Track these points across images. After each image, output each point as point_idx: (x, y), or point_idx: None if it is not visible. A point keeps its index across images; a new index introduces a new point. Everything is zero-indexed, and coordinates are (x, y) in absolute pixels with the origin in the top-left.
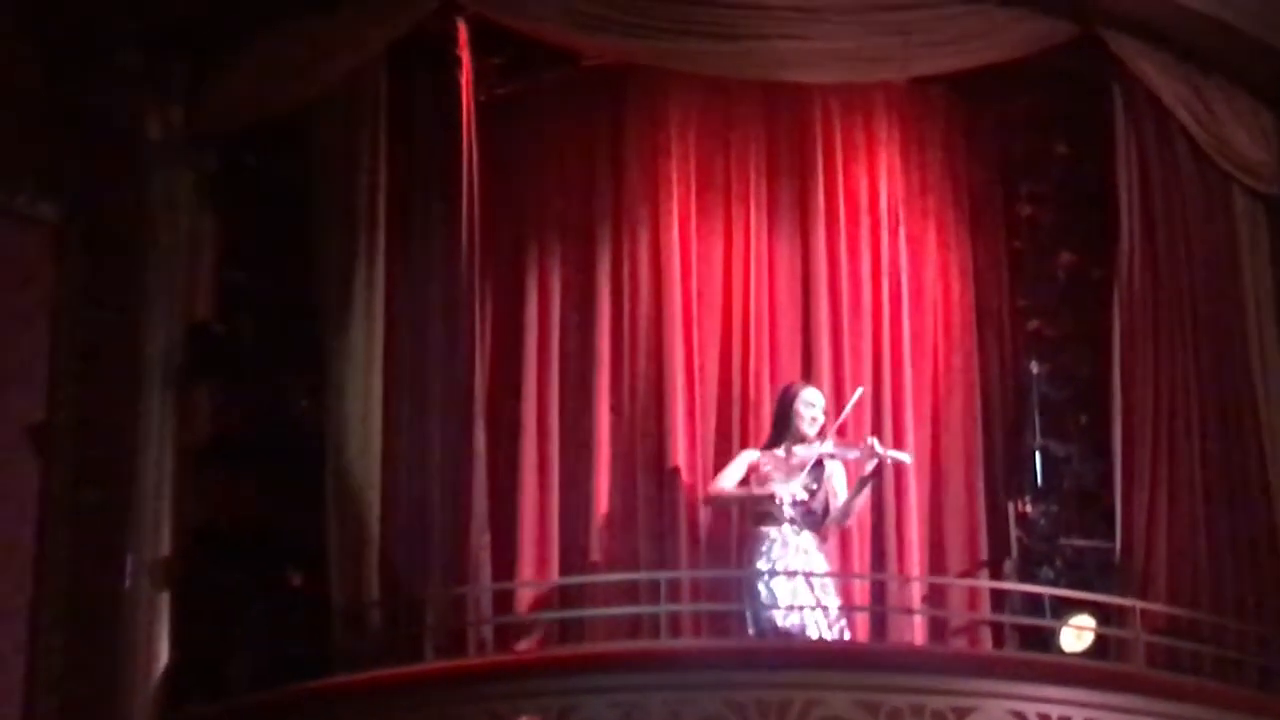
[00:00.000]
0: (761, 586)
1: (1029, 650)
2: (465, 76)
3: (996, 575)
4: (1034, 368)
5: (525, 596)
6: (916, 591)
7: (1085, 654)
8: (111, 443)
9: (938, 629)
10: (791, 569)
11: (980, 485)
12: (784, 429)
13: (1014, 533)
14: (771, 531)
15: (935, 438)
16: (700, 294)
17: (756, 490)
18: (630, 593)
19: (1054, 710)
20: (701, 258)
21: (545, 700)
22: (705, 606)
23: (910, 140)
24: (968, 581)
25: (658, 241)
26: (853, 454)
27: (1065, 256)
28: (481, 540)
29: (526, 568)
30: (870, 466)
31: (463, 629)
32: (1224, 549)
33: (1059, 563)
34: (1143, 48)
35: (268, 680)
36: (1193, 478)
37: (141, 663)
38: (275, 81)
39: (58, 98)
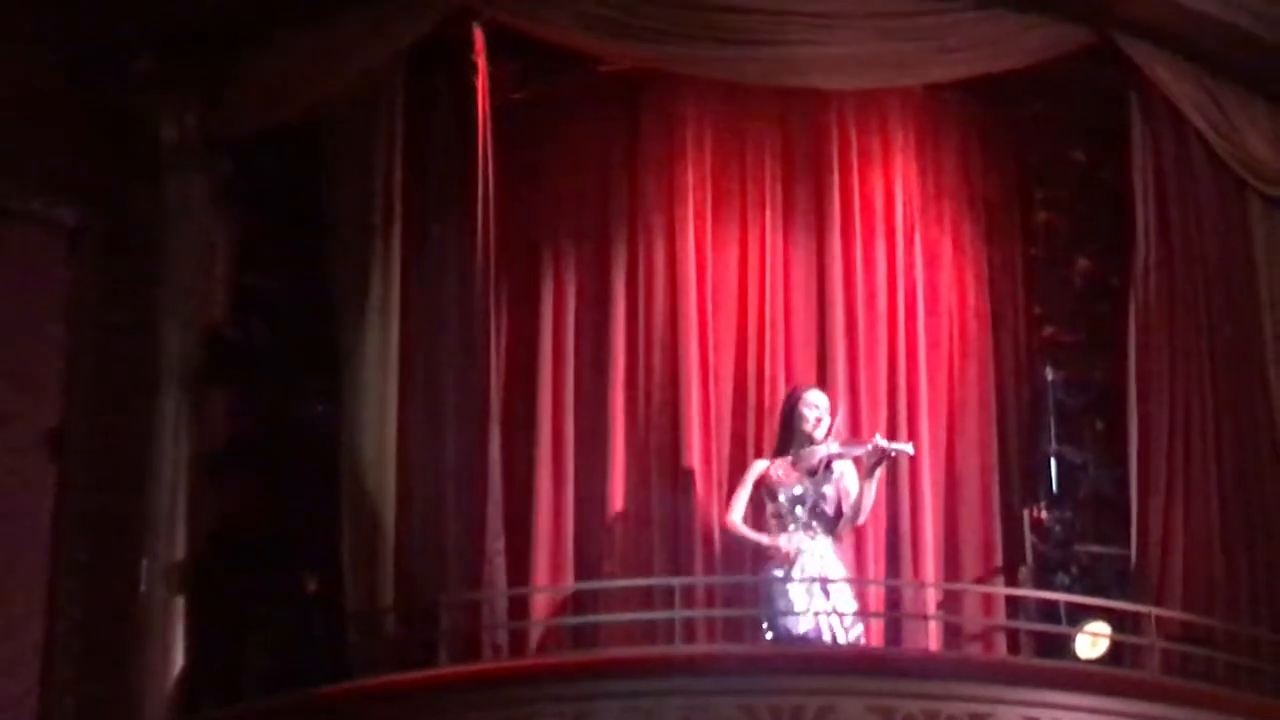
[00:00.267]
0: (778, 592)
1: (1044, 657)
2: (481, 82)
3: (1011, 581)
4: (1049, 374)
5: (540, 602)
6: (931, 597)
7: (1100, 660)
8: (127, 447)
9: (952, 635)
10: (809, 575)
11: (995, 491)
12: (790, 434)
13: (1029, 539)
14: (788, 536)
15: (950, 444)
16: (715, 299)
17: (764, 540)
18: (645, 598)
19: (1068, 717)
20: (717, 263)
21: (560, 705)
22: (720, 612)
23: (926, 146)
24: (983, 588)
25: (673, 246)
26: (858, 450)
27: (1081, 263)
28: (496, 545)
29: (541, 573)
30: (873, 461)
31: (477, 634)
32: (1239, 556)
33: (1074, 569)
34: (1158, 54)
35: (282, 685)
36: (1208, 484)
37: (156, 667)
38: (291, 86)
39: (74, 102)
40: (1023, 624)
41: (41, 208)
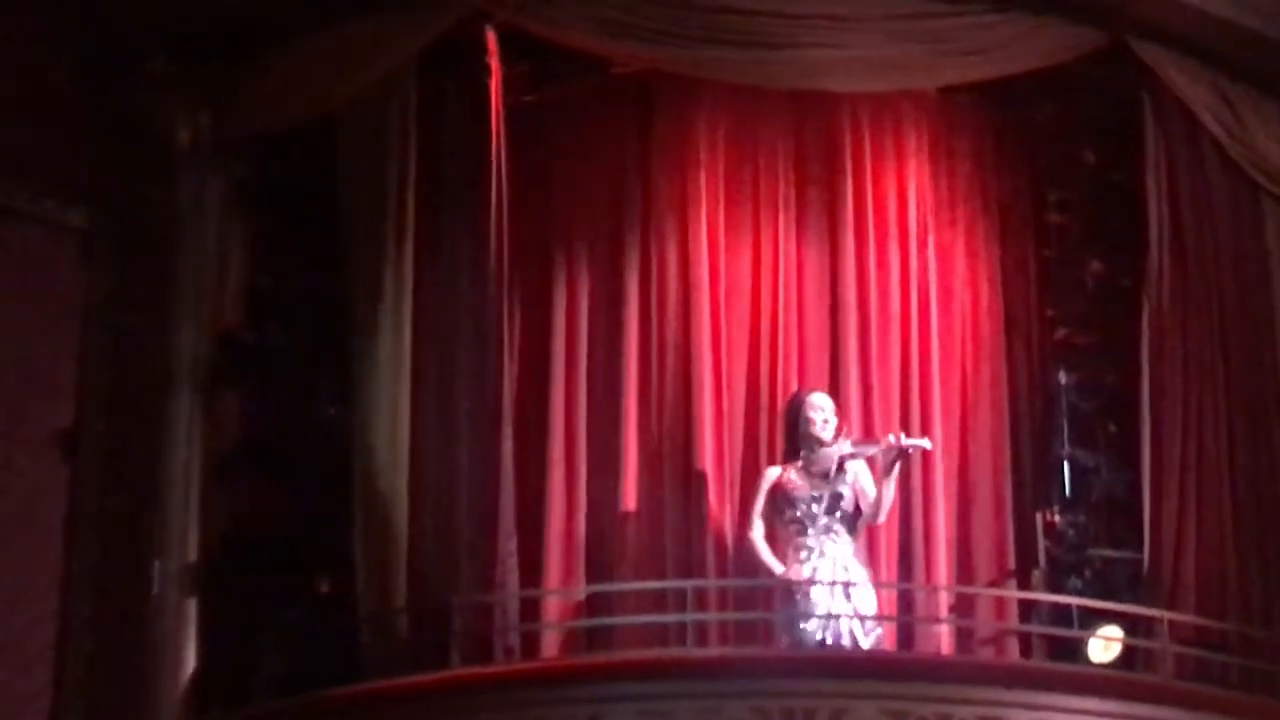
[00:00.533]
0: (798, 595)
1: (1056, 660)
2: (495, 84)
3: (1024, 585)
4: (1062, 377)
5: (552, 604)
6: (944, 601)
7: (1113, 665)
8: (139, 448)
9: (965, 639)
10: (829, 578)
11: (1008, 495)
12: (798, 439)
13: (1042, 543)
14: (808, 540)
15: (963, 447)
16: (728, 303)
17: (780, 568)
18: (657, 600)
19: None
20: (730, 267)
21: (572, 708)
22: (732, 615)
23: (939, 149)
24: (995, 591)
25: (686, 250)
26: (872, 450)
27: (1094, 265)
28: (509, 547)
29: (553, 575)
30: (890, 458)
31: (490, 636)
32: (1253, 560)
33: (1087, 573)
34: (1171, 56)
35: (294, 687)
36: (1221, 488)
37: (168, 669)
38: (304, 88)
39: (87, 104)
40: (1035, 627)
41: (54, 210)
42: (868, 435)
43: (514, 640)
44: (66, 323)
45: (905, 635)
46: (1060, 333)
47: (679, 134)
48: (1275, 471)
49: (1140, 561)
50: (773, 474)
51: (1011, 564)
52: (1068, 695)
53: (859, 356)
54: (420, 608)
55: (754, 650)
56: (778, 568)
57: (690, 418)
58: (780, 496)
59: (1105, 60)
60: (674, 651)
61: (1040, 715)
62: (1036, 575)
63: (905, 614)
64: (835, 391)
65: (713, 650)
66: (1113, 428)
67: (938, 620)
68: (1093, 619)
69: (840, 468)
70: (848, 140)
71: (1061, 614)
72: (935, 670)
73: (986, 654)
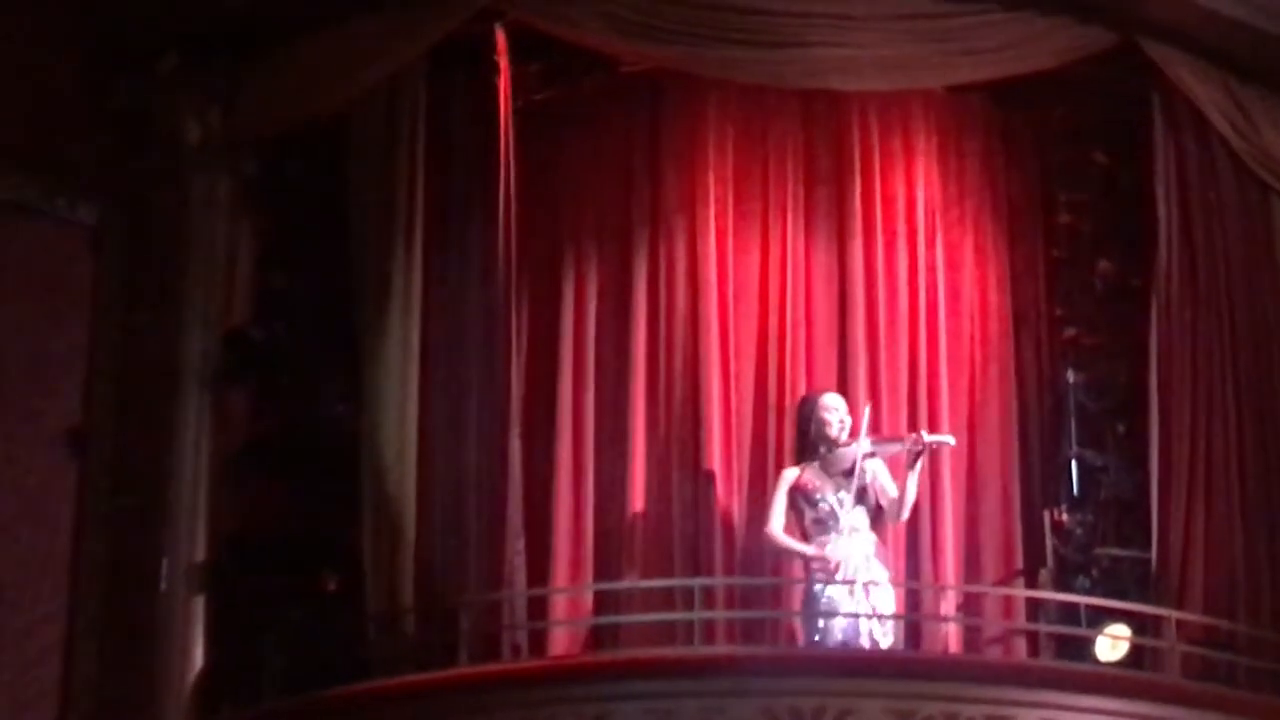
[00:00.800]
0: (817, 595)
1: (1064, 660)
2: (504, 83)
3: (1032, 584)
4: (1071, 376)
5: (559, 602)
6: (951, 600)
7: (1120, 664)
8: (148, 447)
9: (972, 638)
10: (849, 578)
11: (1016, 494)
12: (810, 441)
13: (1050, 542)
14: (831, 538)
15: (971, 446)
16: (737, 301)
17: (810, 550)
18: (665, 599)
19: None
20: (738, 265)
21: (579, 706)
22: (740, 614)
23: (948, 149)
24: (1003, 590)
25: (694, 248)
26: (895, 448)
27: (1103, 265)
28: (516, 545)
29: (561, 573)
30: (913, 455)
31: (497, 634)
32: (1261, 559)
33: (1095, 572)
34: (1181, 56)
35: (302, 685)
36: (1230, 487)
37: (176, 667)
38: (314, 86)
39: (97, 101)
40: (1043, 626)
41: (64, 207)
42: (874, 434)
43: (522, 639)
44: (75, 320)
45: (913, 634)
46: (1069, 332)
47: (688, 133)
48: None
49: (1148, 561)
50: (791, 474)
51: (1019, 563)
52: (1075, 694)
53: (867, 356)
54: (428, 606)
55: (761, 649)
56: (806, 549)
57: (698, 417)
58: (801, 497)
59: (1115, 60)
60: (681, 650)
61: (1047, 714)
62: (1044, 574)
63: (913, 613)
64: (843, 391)
65: (720, 649)
66: (1121, 427)
67: (945, 619)
68: (1100, 618)
69: (857, 466)
70: (856, 140)
71: (1069, 613)
72: (942, 669)
73: (994, 653)
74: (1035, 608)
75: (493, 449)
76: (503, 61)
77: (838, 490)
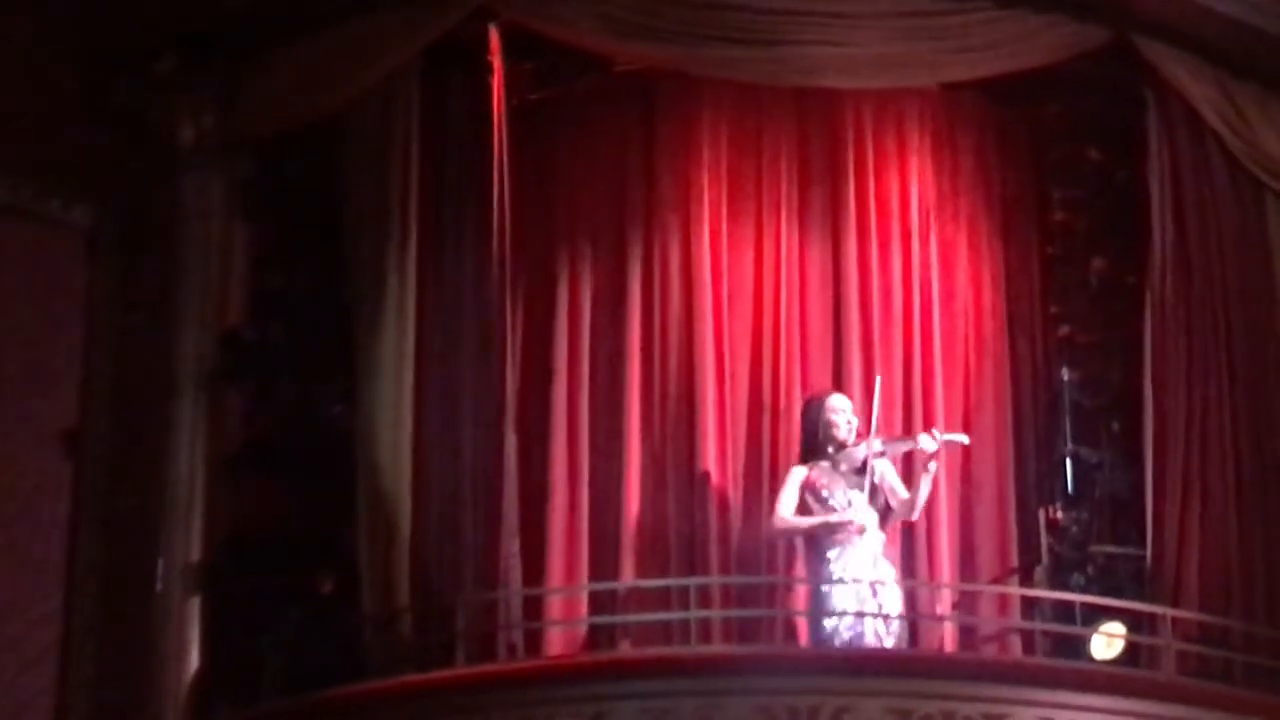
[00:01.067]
0: (822, 593)
1: (1059, 657)
2: (497, 82)
3: (1027, 582)
4: (1065, 374)
5: (555, 602)
6: (947, 598)
7: (1116, 661)
8: (143, 448)
9: (968, 636)
10: (856, 576)
11: (1011, 492)
12: (818, 441)
13: (1045, 540)
14: (839, 537)
15: (966, 444)
16: (731, 300)
17: (831, 516)
18: (661, 598)
19: (1084, 717)
20: (732, 264)
21: (576, 706)
22: (736, 613)
23: (942, 146)
24: (998, 588)
25: (689, 247)
26: (905, 447)
27: (1097, 262)
28: (512, 545)
29: (556, 573)
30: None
31: (493, 634)
32: (1256, 556)
33: (1090, 570)
34: (1175, 53)
35: (298, 686)
36: (1225, 485)
37: (172, 668)
38: (308, 87)
39: (91, 102)
40: (1038, 624)
41: (58, 208)
42: (884, 433)
43: (518, 639)
44: (70, 321)
45: (909, 632)
46: (1063, 330)
47: (682, 132)
48: (1279, 468)
49: (1143, 558)
50: (799, 473)
51: (1015, 561)
52: (1071, 692)
53: (862, 354)
54: (424, 606)
55: (758, 648)
56: (815, 520)
57: (693, 416)
58: (811, 496)
59: (1109, 57)
60: (678, 649)
61: (1043, 712)
62: (1039, 572)
63: (909, 611)
64: (838, 389)
65: (717, 648)
66: (1116, 425)
67: (941, 617)
68: (1096, 616)
69: (867, 465)
70: (850, 138)
71: (1064, 611)
72: (938, 667)
73: (990, 651)
74: (1031, 606)
75: (488, 449)
76: (497, 61)
77: (852, 489)
